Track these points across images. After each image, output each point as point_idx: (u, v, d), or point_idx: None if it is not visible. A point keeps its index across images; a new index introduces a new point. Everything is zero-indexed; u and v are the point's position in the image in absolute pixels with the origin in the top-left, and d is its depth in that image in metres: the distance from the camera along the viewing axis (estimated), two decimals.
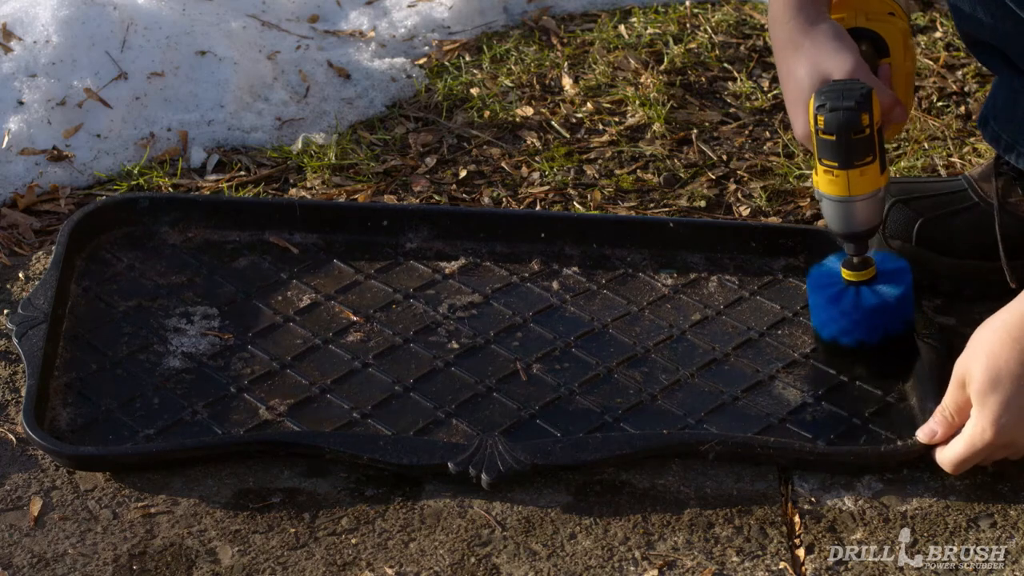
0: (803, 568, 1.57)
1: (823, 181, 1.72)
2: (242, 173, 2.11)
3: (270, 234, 1.95)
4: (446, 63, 2.36)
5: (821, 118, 1.68)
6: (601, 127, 2.24)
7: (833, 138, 1.69)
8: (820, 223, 2.04)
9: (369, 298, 1.88)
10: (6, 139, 2.08)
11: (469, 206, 2.06)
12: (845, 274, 1.77)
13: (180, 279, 1.88)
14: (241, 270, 1.90)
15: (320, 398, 1.73)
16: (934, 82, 2.36)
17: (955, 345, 1.70)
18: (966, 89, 2.34)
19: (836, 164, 1.70)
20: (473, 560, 1.55)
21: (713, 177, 2.14)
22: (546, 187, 2.10)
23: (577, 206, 2.07)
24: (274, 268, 1.91)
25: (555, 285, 1.91)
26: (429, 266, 1.93)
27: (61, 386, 1.71)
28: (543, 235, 1.96)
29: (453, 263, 1.93)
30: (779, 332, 1.86)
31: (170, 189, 2.06)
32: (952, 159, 2.18)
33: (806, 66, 1.72)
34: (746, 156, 2.19)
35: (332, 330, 1.82)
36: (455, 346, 1.81)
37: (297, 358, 1.78)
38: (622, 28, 2.45)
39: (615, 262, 1.95)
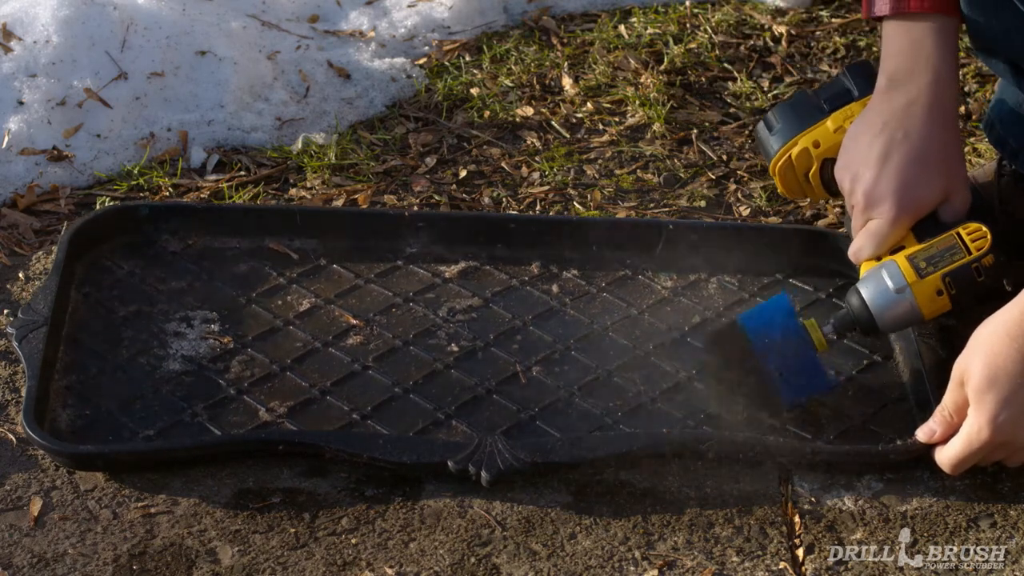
0: (803, 568, 1.57)
1: (927, 294, 1.70)
2: (242, 173, 2.11)
3: (270, 240, 1.94)
4: (446, 63, 2.36)
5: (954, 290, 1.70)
6: (601, 127, 2.24)
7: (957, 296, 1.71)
8: (820, 223, 2.04)
9: (369, 302, 1.88)
10: (6, 139, 2.08)
11: (469, 210, 2.06)
12: (815, 335, 1.72)
13: (180, 285, 1.88)
14: (241, 276, 1.90)
15: (320, 400, 1.73)
16: None
17: (955, 345, 1.70)
18: (966, 89, 2.34)
19: (952, 308, 1.72)
20: (473, 560, 1.55)
21: (713, 177, 2.14)
22: (546, 187, 2.10)
23: (577, 206, 2.07)
24: (274, 273, 1.90)
25: (555, 288, 1.91)
26: (429, 270, 1.93)
27: (61, 388, 1.71)
28: (542, 238, 1.95)
29: (453, 267, 1.93)
30: None
31: (170, 189, 2.06)
32: None
33: (947, 181, 1.72)
34: (746, 156, 2.18)
35: (332, 333, 1.82)
36: (455, 349, 1.81)
37: (297, 361, 1.78)
38: (622, 28, 2.45)
39: (614, 264, 1.95)
